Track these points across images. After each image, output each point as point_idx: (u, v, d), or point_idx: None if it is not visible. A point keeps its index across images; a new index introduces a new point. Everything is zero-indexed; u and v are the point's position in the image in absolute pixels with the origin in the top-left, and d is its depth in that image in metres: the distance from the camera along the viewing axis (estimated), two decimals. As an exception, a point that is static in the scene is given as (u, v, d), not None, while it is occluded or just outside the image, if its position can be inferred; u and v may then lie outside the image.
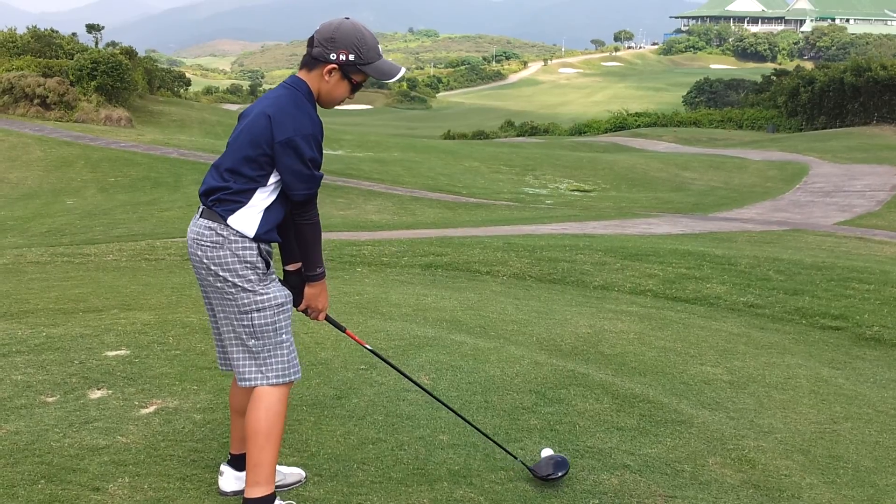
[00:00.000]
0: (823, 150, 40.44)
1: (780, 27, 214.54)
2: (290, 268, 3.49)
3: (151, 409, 4.46)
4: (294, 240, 3.43)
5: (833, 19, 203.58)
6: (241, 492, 3.54)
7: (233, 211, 3.27)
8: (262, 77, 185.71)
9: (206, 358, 5.31)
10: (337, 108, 3.53)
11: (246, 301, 3.29)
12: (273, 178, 3.27)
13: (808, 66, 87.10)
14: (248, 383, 3.36)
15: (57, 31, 52.56)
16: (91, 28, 59.46)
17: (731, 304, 8.74)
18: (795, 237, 16.83)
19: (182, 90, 70.29)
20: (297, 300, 3.49)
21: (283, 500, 3.48)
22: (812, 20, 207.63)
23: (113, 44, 61.01)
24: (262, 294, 3.30)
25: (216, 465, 3.77)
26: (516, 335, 6.59)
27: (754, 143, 48.10)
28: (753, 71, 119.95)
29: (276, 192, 3.30)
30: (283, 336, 3.36)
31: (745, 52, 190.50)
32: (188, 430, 4.19)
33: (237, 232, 3.26)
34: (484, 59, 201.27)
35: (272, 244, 3.41)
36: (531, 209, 23.17)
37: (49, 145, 30.28)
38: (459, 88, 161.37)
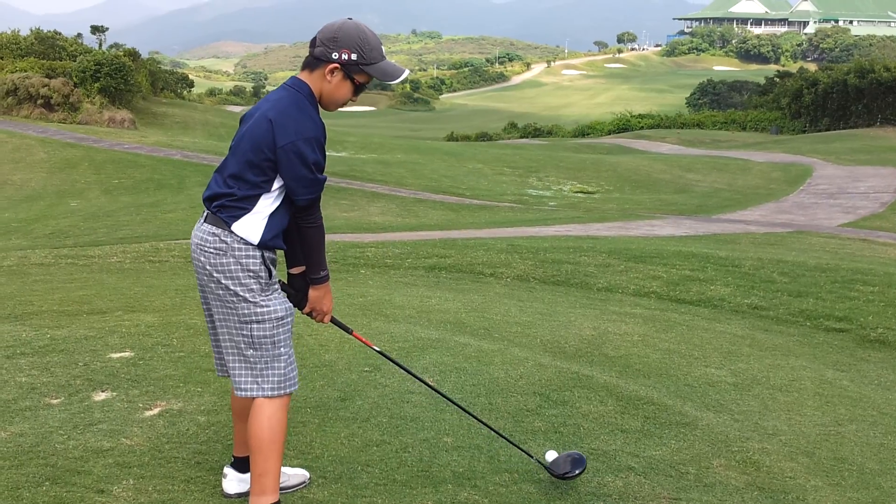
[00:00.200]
0: (827, 151, 40.40)
1: (784, 29, 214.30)
2: (294, 271, 3.45)
3: (156, 411, 4.46)
4: (298, 243, 3.40)
5: (836, 21, 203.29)
6: (245, 494, 3.54)
7: (237, 217, 3.23)
8: (266, 79, 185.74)
9: (210, 360, 5.31)
10: (340, 109, 3.48)
11: (246, 311, 3.26)
12: (277, 184, 3.23)
13: (812, 67, 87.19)
14: (244, 393, 3.34)
15: (60, 33, 52.65)
16: (95, 30, 59.63)
17: (735, 306, 8.73)
18: (799, 239, 16.81)
19: (185, 92, 70.36)
20: (302, 303, 3.46)
21: None
22: (815, 22, 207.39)
23: (116, 45, 61.23)
24: (262, 306, 3.26)
25: (220, 467, 3.77)
26: (520, 337, 6.59)
27: (758, 145, 48.07)
28: (757, 73, 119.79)
29: (281, 198, 3.26)
30: (282, 349, 3.32)
31: (749, 54, 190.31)
32: (192, 433, 4.19)
33: (241, 239, 3.22)
34: (487, 60, 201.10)
35: (276, 251, 3.38)
36: (535, 211, 23.16)
37: (53, 147, 30.34)
38: (462, 90, 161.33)
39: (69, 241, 14.69)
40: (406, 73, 3.42)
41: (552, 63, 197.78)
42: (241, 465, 3.60)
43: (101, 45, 57.28)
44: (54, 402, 4.52)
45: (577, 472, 3.81)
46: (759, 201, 26.87)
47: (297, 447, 4.09)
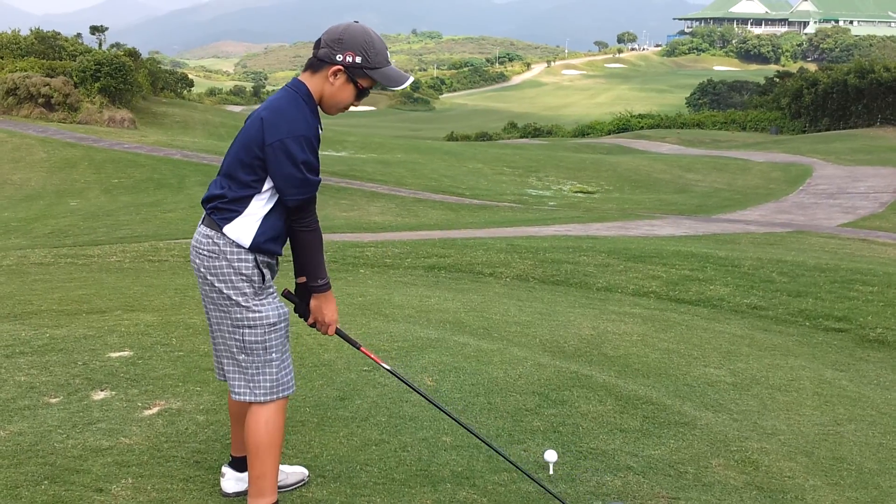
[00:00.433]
0: (827, 151, 40.41)
1: (784, 29, 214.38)
2: (300, 280, 3.40)
3: (154, 410, 4.47)
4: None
5: (836, 21, 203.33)
6: (243, 493, 3.54)
7: (229, 220, 3.20)
8: (266, 79, 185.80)
9: (209, 359, 5.31)
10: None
11: (238, 316, 3.23)
12: (268, 184, 3.18)
13: (812, 67, 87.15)
14: (237, 397, 3.32)
15: (60, 33, 52.65)
16: (94, 30, 59.61)
17: (734, 306, 8.73)
18: (799, 239, 16.81)
19: (185, 92, 70.32)
20: (306, 314, 3.41)
21: None
22: (815, 22, 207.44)
23: (116, 45, 61.18)
24: (254, 311, 3.23)
25: (219, 466, 3.77)
26: (519, 337, 6.59)
27: (757, 145, 48.07)
28: (757, 73, 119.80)
29: (274, 200, 3.21)
30: (274, 355, 3.28)
31: (749, 54, 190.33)
32: (191, 432, 4.19)
33: (234, 242, 3.19)
34: (487, 60, 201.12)
35: (276, 257, 3.35)
36: (534, 211, 23.16)
37: (53, 147, 30.35)
38: (462, 90, 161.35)
39: (69, 241, 14.69)
40: (410, 80, 3.34)
41: (552, 63, 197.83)
42: (239, 464, 3.60)
43: (100, 44, 57.27)
44: (53, 401, 4.52)
45: None
46: (758, 201, 26.87)
47: (296, 446, 4.09)
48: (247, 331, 3.24)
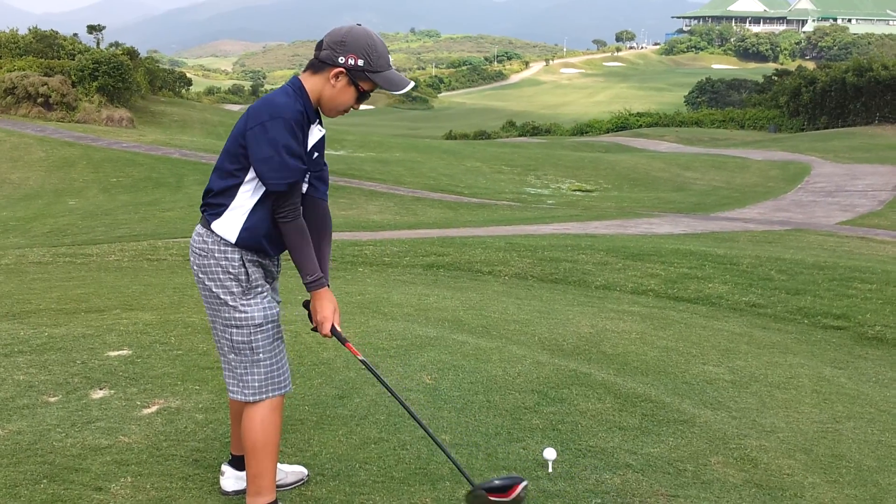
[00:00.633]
0: (825, 149, 40.41)
1: (782, 27, 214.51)
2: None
3: (153, 409, 4.46)
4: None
5: (835, 19, 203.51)
6: (242, 491, 3.54)
7: (218, 215, 3.20)
8: (264, 77, 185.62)
9: (208, 358, 5.31)
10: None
11: (227, 315, 3.23)
12: (251, 173, 3.14)
13: (810, 66, 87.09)
14: (231, 395, 3.33)
15: (59, 32, 52.61)
16: (92, 29, 59.52)
17: (733, 304, 8.73)
18: (797, 237, 16.82)
19: (184, 90, 70.29)
20: (310, 315, 3.36)
21: None
22: (814, 20, 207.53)
23: (115, 44, 61.10)
24: (241, 311, 3.22)
25: (218, 464, 3.77)
26: (518, 335, 6.59)
27: (756, 143, 48.07)
28: (755, 71, 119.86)
29: (261, 191, 3.17)
30: (262, 355, 3.26)
31: (747, 52, 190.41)
32: (190, 430, 4.19)
33: (221, 239, 3.19)
34: (486, 59, 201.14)
35: (269, 256, 3.30)
36: (533, 209, 23.16)
37: (51, 146, 30.32)
38: (461, 89, 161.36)
39: (67, 240, 14.69)
40: (411, 85, 3.30)
41: (551, 62, 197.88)
42: (239, 462, 3.60)
43: (99, 43, 57.19)
44: (52, 400, 4.52)
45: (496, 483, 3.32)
46: (757, 199, 26.87)
47: (295, 444, 4.09)
48: (234, 330, 3.24)
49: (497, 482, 3.23)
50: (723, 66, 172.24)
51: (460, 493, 3.71)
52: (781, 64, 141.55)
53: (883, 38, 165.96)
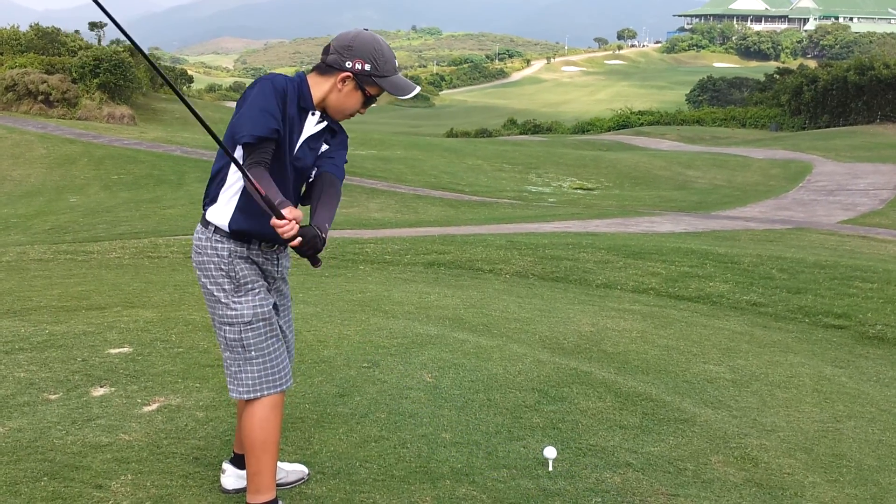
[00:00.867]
0: (827, 148, 40.41)
1: (784, 25, 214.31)
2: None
3: (154, 406, 4.46)
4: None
5: (836, 18, 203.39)
6: (243, 490, 3.54)
7: (213, 201, 3.21)
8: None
9: (208, 355, 5.31)
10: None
11: (220, 312, 3.23)
12: (240, 150, 3.10)
13: (812, 64, 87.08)
14: (230, 393, 3.33)
15: (60, 29, 52.63)
16: (94, 26, 59.59)
17: (734, 303, 8.73)
18: (798, 236, 16.82)
19: (185, 88, 70.36)
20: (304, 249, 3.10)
21: None
22: (815, 18, 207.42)
23: (116, 41, 61.09)
24: (231, 308, 3.20)
25: (218, 462, 3.77)
26: (519, 333, 6.59)
27: (757, 142, 48.06)
28: (756, 69, 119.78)
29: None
30: (253, 353, 3.24)
31: (749, 51, 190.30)
32: (191, 428, 4.19)
33: (214, 232, 3.18)
34: (487, 57, 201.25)
35: (262, 247, 3.26)
36: (534, 207, 23.16)
37: (52, 143, 30.33)
38: (462, 86, 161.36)
39: (68, 237, 14.69)
40: (417, 90, 3.30)
41: (552, 60, 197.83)
42: (240, 461, 3.60)
43: (100, 40, 57.25)
44: (52, 397, 4.52)
45: None
46: (758, 198, 26.88)
47: (296, 443, 4.09)
48: (227, 328, 3.23)
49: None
50: (724, 64, 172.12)
51: (460, 491, 3.71)
52: (783, 62, 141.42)
53: (884, 37, 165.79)
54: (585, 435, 4.44)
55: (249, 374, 3.26)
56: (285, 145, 3.16)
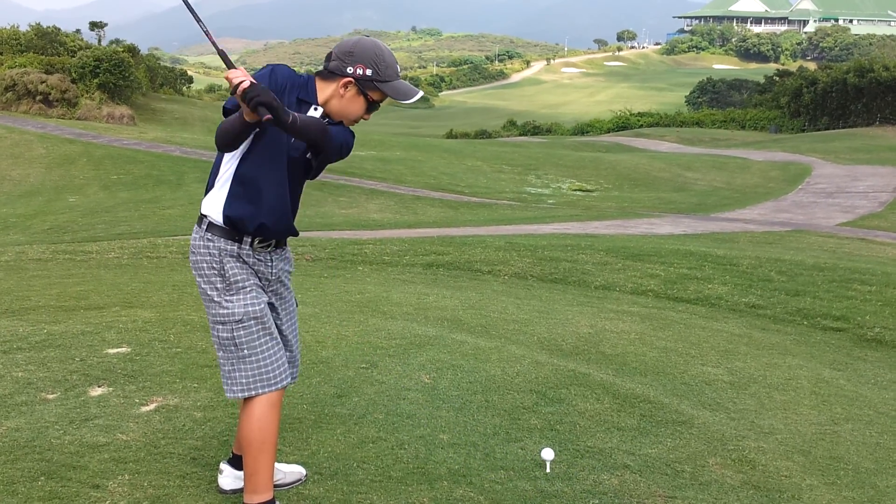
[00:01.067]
0: (826, 150, 40.43)
1: (784, 27, 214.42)
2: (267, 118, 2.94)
3: (152, 406, 4.46)
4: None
5: (836, 20, 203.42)
6: (240, 490, 3.54)
7: (208, 191, 3.25)
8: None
9: (206, 356, 5.31)
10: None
11: (213, 311, 3.24)
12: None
13: (811, 66, 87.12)
14: (225, 393, 3.33)
15: (60, 29, 52.63)
16: (94, 25, 59.58)
17: (732, 305, 8.73)
18: (797, 238, 16.82)
19: (184, 88, 70.32)
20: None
21: None
22: (815, 21, 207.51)
23: (116, 41, 61.16)
24: (223, 307, 3.21)
25: (216, 463, 3.77)
26: (517, 335, 6.59)
27: (757, 144, 48.08)
28: (756, 71, 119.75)
29: (244, 154, 3.16)
30: (245, 351, 3.23)
31: (748, 53, 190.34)
32: (188, 428, 4.19)
33: (209, 226, 3.20)
34: (487, 58, 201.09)
35: (254, 244, 3.25)
36: (533, 209, 23.17)
37: (51, 143, 30.32)
38: (462, 87, 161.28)
39: (67, 237, 14.69)
40: (420, 94, 3.35)
41: (552, 61, 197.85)
42: (238, 461, 3.60)
43: (100, 40, 57.24)
44: (50, 397, 4.51)
45: None
46: (757, 200, 26.89)
47: (293, 443, 4.09)
48: (219, 327, 3.24)
49: None
50: (724, 66, 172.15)
51: (458, 492, 3.71)
52: (783, 64, 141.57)
53: (884, 39, 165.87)
54: (583, 436, 4.45)
55: (242, 373, 3.26)
56: (283, 134, 3.14)
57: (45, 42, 47.78)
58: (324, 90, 3.27)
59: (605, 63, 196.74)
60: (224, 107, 3.12)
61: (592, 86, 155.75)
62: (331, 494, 3.61)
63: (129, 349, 5.41)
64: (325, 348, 5.65)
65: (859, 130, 50.50)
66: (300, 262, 10.26)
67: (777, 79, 71.16)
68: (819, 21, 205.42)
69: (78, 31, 59.66)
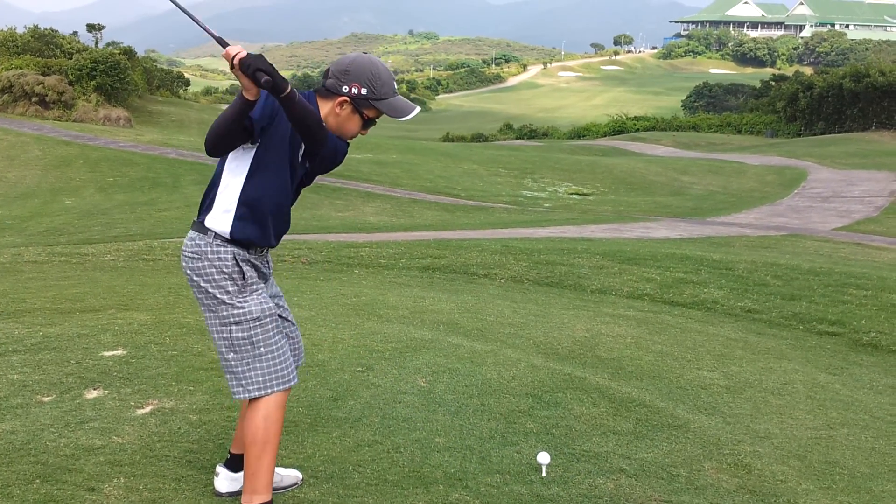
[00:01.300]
0: (822, 155, 40.50)
1: (780, 32, 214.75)
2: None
3: (147, 409, 4.46)
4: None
5: (832, 25, 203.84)
6: (236, 493, 3.54)
7: (209, 208, 3.24)
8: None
9: (202, 359, 5.30)
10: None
11: (225, 313, 3.24)
12: (233, 152, 3.17)
13: (808, 71, 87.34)
14: (234, 396, 3.33)
15: (57, 31, 52.59)
16: (91, 28, 59.53)
17: (728, 309, 8.74)
18: (793, 242, 16.85)
19: (181, 90, 70.26)
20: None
21: None
22: (812, 26, 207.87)
23: (113, 43, 61.10)
24: (238, 308, 3.24)
25: (212, 466, 3.76)
26: (513, 338, 6.59)
27: (753, 148, 48.14)
28: (752, 76, 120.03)
29: (247, 165, 3.19)
30: (262, 349, 3.27)
31: (745, 57, 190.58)
32: (184, 431, 4.19)
33: (215, 238, 3.21)
34: (483, 61, 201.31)
35: (259, 253, 3.33)
36: (529, 212, 23.18)
37: (48, 144, 30.27)
38: (459, 91, 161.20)
39: (63, 239, 14.67)
40: (416, 111, 3.34)
41: (548, 65, 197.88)
42: (234, 463, 3.60)
43: (97, 43, 57.20)
44: (46, 399, 4.51)
45: None
46: (753, 204, 26.93)
47: (289, 447, 4.09)
48: (234, 327, 3.24)
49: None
50: (720, 70, 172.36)
51: (454, 496, 3.71)
52: (779, 69, 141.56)
53: (880, 44, 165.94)
54: (579, 440, 4.45)
55: (259, 372, 3.28)
56: (288, 147, 3.22)
57: (42, 44, 47.75)
58: (323, 107, 3.30)
59: (602, 67, 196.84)
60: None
61: (589, 90, 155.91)
62: (326, 498, 3.61)
63: (124, 352, 5.41)
64: (321, 351, 5.65)
65: (855, 135, 50.61)
66: (296, 265, 10.26)
67: (773, 83, 71.37)
68: (815, 26, 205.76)
69: (75, 33, 59.52)
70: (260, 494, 3.31)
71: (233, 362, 3.29)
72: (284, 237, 3.54)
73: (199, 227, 3.26)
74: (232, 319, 3.24)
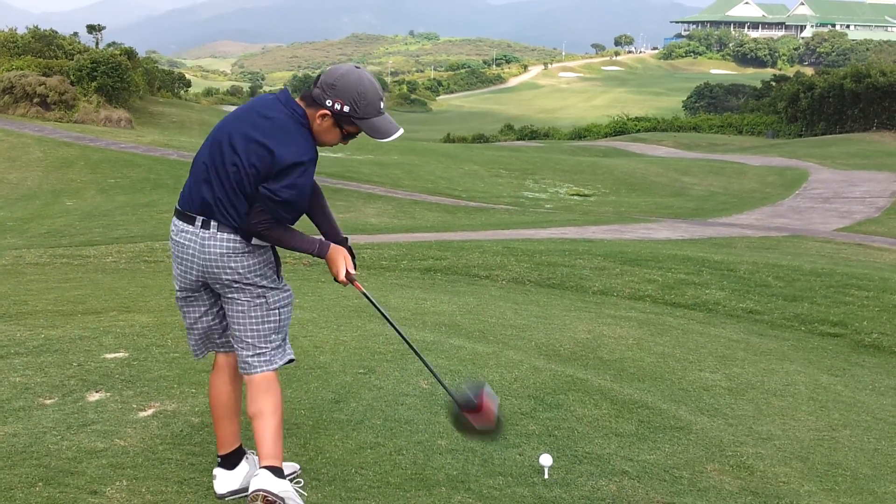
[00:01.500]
0: (823, 155, 40.47)
1: (781, 33, 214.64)
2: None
3: (149, 412, 4.46)
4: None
5: (833, 25, 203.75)
6: (237, 491, 3.57)
7: (244, 233, 3.41)
8: (263, 79, 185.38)
9: (204, 361, 5.27)
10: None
11: (275, 298, 3.47)
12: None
13: (809, 71, 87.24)
14: (259, 370, 3.47)
15: (58, 32, 52.62)
16: (92, 28, 59.57)
17: (730, 311, 8.73)
18: (795, 243, 16.84)
19: (182, 91, 70.31)
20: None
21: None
22: (812, 26, 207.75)
23: (113, 44, 61.12)
24: (284, 290, 3.53)
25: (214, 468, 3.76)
26: (515, 340, 6.59)
27: (754, 149, 48.11)
28: (753, 76, 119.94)
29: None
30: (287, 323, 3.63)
31: (746, 58, 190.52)
32: (186, 434, 4.19)
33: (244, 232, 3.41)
34: (484, 62, 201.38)
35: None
36: (530, 213, 23.18)
37: (49, 146, 30.28)
38: (459, 92, 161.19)
39: (64, 241, 14.67)
40: (399, 133, 3.39)
41: (549, 65, 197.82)
42: (228, 462, 3.62)
43: (98, 43, 57.24)
44: (48, 402, 4.51)
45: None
46: (754, 205, 26.91)
47: (291, 448, 4.09)
48: (283, 309, 3.52)
49: (460, 396, 3.64)
50: (721, 71, 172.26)
51: (456, 498, 3.71)
52: (780, 69, 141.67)
53: (881, 45, 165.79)
54: (581, 442, 4.45)
55: (285, 345, 3.61)
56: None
57: (43, 45, 47.76)
58: (308, 113, 3.37)
59: (603, 68, 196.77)
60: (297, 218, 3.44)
61: (590, 90, 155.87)
62: (328, 500, 3.61)
63: (126, 354, 5.41)
64: (323, 353, 5.64)
65: (856, 136, 50.56)
66: (297, 267, 10.26)
67: (774, 84, 71.32)
68: (816, 26, 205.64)
69: (75, 33, 59.58)
70: (276, 459, 3.42)
71: (273, 339, 3.49)
72: None
73: (233, 229, 3.35)
74: (283, 302, 3.51)
